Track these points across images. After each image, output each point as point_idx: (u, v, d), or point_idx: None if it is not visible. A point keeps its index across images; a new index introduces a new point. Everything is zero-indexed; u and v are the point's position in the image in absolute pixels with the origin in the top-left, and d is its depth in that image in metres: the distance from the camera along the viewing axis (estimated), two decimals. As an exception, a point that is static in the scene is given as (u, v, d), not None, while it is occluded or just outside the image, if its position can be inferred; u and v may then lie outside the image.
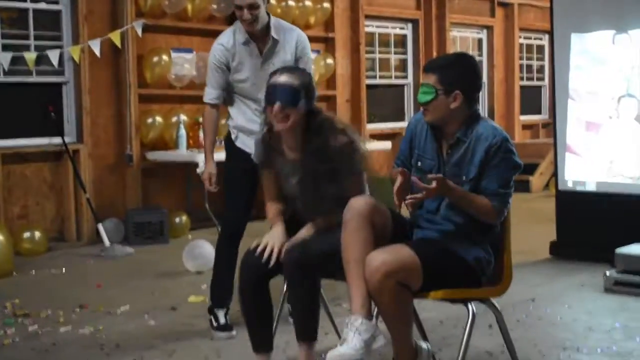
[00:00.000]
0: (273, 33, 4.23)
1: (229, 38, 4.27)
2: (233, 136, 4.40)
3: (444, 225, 3.24)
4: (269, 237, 3.39)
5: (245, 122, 4.33)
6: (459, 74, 3.22)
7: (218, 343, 4.13)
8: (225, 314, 4.30)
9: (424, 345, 3.33)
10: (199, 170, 4.29)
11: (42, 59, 7.15)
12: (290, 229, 3.44)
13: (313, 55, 9.18)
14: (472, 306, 3.12)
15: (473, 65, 3.29)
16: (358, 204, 3.09)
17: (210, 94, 4.34)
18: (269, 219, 3.54)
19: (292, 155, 3.44)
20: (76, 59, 7.19)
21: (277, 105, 3.27)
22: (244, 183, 4.24)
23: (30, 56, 7.01)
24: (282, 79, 3.32)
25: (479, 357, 3.79)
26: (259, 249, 3.34)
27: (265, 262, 3.33)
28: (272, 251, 3.34)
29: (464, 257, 3.15)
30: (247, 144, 4.21)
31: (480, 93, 12.31)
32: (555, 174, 6.39)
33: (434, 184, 3.07)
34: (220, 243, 4.38)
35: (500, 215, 3.20)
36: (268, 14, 4.25)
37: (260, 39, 4.23)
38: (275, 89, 3.31)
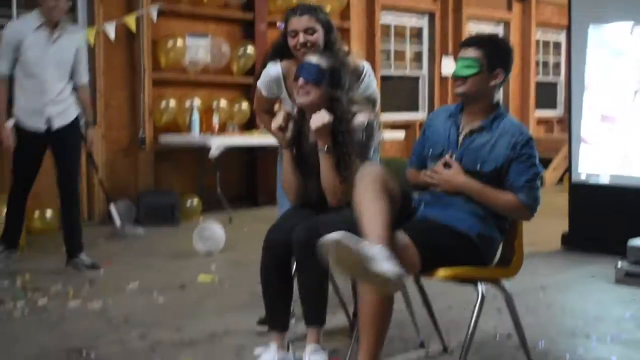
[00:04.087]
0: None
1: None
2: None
3: (451, 200, 3.19)
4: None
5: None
6: (503, 53, 3.25)
7: (226, 319, 4.13)
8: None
9: None
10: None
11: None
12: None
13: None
14: (481, 286, 3.10)
15: (511, 49, 3.33)
16: (372, 168, 3.03)
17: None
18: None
19: (313, 138, 3.45)
20: (91, 41, 7.19)
21: (300, 80, 3.37)
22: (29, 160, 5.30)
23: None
24: (313, 59, 3.41)
25: (487, 340, 3.77)
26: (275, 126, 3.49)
27: (288, 241, 3.31)
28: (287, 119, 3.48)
29: (466, 233, 3.10)
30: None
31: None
32: (569, 167, 6.36)
33: (450, 166, 3.14)
34: (12, 197, 5.37)
35: (531, 210, 3.16)
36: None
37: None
38: (303, 66, 3.39)
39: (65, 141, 5.30)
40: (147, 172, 7.64)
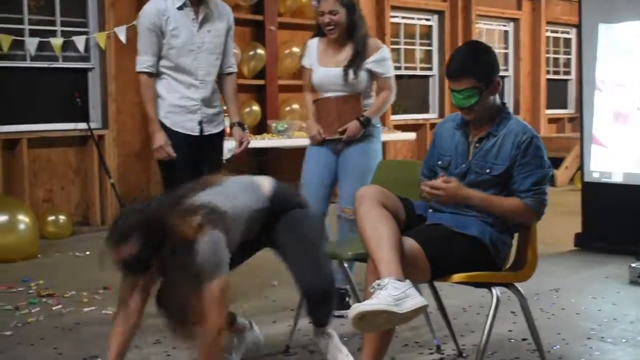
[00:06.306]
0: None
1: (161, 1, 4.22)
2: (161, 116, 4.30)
3: (460, 206, 3.16)
4: None
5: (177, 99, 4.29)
6: (487, 63, 3.18)
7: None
8: None
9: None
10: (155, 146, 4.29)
11: (68, 45, 7.19)
12: None
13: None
14: (495, 291, 3.09)
15: (488, 48, 3.25)
16: (365, 191, 3.06)
17: (146, 62, 4.25)
18: None
19: None
20: (102, 45, 7.22)
21: None
22: (182, 166, 4.25)
23: (57, 42, 7.05)
24: None
25: (501, 343, 3.77)
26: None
27: None
28: None
29: (477, 238, 3.09)
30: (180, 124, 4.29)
31: (507, 86, 12.19)
32: (581, 166, 6.34)
33: (448, 183, 3.08)
34: None
35: (538, 213, 3.15)
36: None
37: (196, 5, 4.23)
38: None
39: (212, 154, 4.38)
40: (158, 175, 7.64)
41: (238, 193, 3.20)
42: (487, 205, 3.12)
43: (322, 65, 4.41)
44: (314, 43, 4.50)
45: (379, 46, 4.46)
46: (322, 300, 3.26)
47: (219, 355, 2.96)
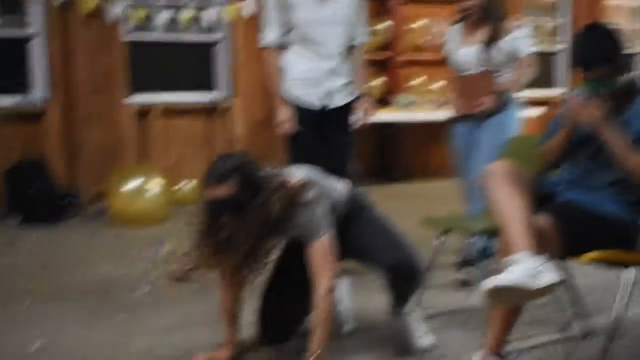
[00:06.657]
0: None
1: None
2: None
3: (593, 183, 3.12)
4: None
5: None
6: (615, 47, 3.09)
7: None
8: None
9: None
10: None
11: (197, 18, 7.38)
12: None
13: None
14: (629, 271, 3.01)
15: (612, 30, 3.11)
16: (496, 166, 3.03)
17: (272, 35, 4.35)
18: None
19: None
20: (230, 17, 7.37)
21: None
22: (308, 139, 4.34)
23: (186, 15, 7.26)
24: None
25: (632, 325, 3.65)
26: None
27: None
28: None
29: (609, 217, 3.03)
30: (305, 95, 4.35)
31: (634, 65, 11.63)
32: None
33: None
34: None
35: None
36: None
37: None
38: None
39: (338, 126, 4.43)
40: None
41: (324, 179, 3.26)
42: (618, 145, 2.99)
43: (462, 46, 4.48)
44: (453, 29, 4.58)
45: (518, 25, 4.52)
46: (407, 277, 3.24)
47: (330, 318, 2.98)
